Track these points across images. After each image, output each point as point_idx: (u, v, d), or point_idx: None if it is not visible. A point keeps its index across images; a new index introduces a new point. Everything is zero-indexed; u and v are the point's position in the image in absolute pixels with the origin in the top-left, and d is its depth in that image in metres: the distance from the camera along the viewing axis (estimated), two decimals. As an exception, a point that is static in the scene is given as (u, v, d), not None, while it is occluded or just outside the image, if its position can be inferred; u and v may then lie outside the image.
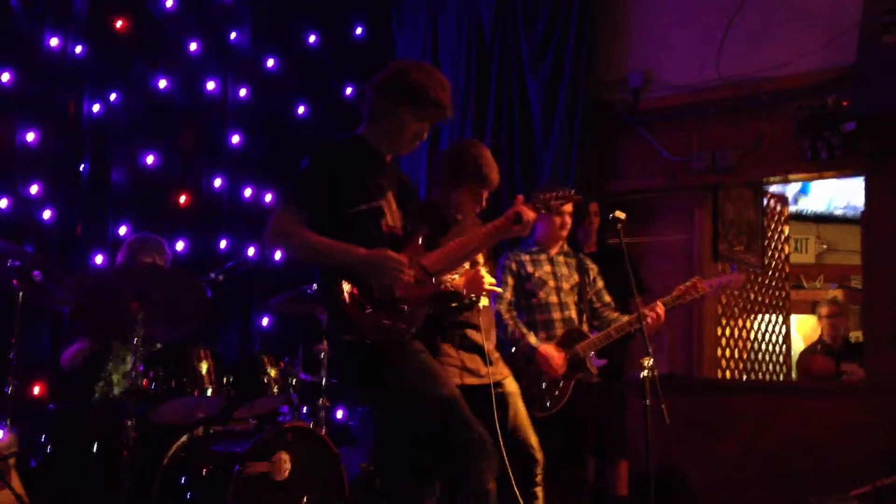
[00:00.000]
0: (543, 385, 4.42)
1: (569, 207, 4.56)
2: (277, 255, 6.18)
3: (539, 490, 4.02)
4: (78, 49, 5.55)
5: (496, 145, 6.06)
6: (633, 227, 5.53)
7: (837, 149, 5.45)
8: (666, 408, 3.92)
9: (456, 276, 3.70)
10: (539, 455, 3.98)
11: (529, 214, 3.38)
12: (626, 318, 4.52)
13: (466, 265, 3.73)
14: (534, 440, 3.99)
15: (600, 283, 4.71)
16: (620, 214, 4.25)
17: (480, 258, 3.84)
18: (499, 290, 3.98)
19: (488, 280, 3.72)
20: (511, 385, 3.99)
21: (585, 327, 4.58)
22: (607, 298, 4.69)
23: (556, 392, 4.43)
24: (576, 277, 4.63)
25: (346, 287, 3.06)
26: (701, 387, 5.94)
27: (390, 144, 3.30)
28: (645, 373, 4.02)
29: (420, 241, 3.30)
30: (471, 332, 3.89)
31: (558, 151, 6.04)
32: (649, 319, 4.40)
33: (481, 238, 3.37)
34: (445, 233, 3.71)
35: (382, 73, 3.32)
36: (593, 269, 4.72)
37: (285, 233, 3.13)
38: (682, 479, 5.57)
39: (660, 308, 4.40)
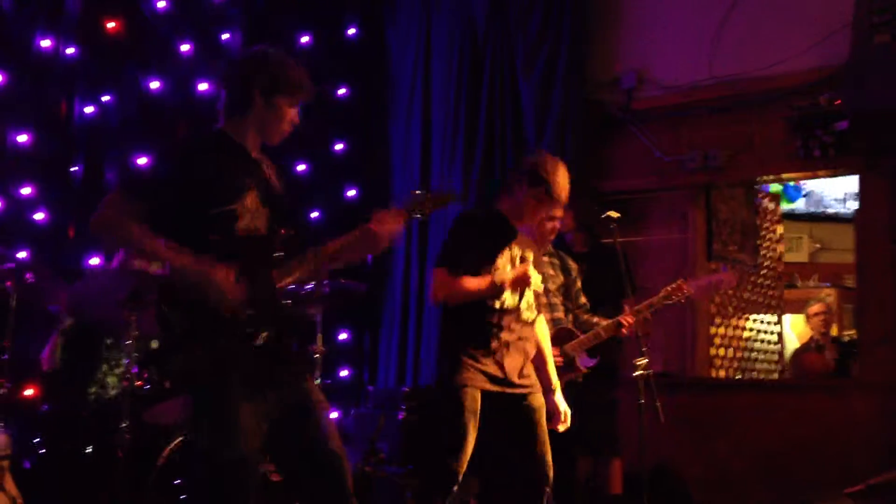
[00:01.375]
0: None
1: (559, 212, 4.55)
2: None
3: None
4: (70, 50, 5.55)
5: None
6: (627, 227, 5.53)
7: (830, 148, 5.46)
8: (660, 406, 3.93)
9: (508, 268, 3.70)
10: (551, 473, 3.91)
11: (386, 228, 3.16)
12: (607, 321, 4.51)
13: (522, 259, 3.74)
14: (549, 458, 3.90)
15: (578, 284, 4.71)
16: (614, 214, 4.25)
17: (530, 255, 3.79)
18: (540, 287, 3.92)
19: (535, 281, 3.70)
20: (538, 399, 3.90)
21: (572, 327, 4.58)
22: (583, 300, 4.69)
23: None
24: (561, 278, 4.64)
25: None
26: (695, 385, 5.94)
27: (261, 136, 3.06)
28: (639, 372, 4.03)
29: (278, 246, 3.05)
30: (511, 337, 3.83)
31: (551, 151, 6.02)
32: (623, 330, 4.42)
33: (329, 252, 3.08)
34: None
35: (241, 65, 3.11)
36: (574, 268, 4.72)
37: (112, 222, 2.83)
38: (676, 477, 5.57)
39: (630, 318, 4.39)
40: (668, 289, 4.53)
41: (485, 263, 3.68)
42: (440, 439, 3.71)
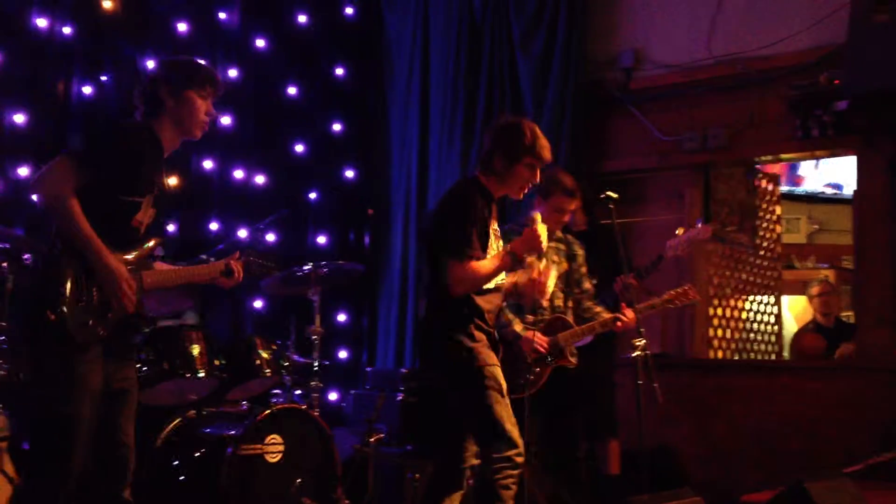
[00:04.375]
0: (520, 367, 4.39)
1: (571, 204, 4.53)
2: (271, 237, 6.16)
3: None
4: (66, 30, 5.51)
5: None
6: (625, 206, 5.52)
7: (829, 127, 5.45)
8: (658, 387, 3.93)
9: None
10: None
11: (239, 272, 3.49)
12: (607, 316, 4.49)
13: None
14: None
15: (584, 269, 4.69)
16: (612, 194, 4.24)
17: (502, 276, 3.73)
18: (553, 277, 3.88)
19: (545, 238, 3.66)
20: None
21: (571, 317, 4.57)
22: (587, 285, 4.68)
23: (531, 376, 4.42)
24: (565, 265, 4.62)
25: (71, 274, 3.05)
26: (693, 366, 5.95)
27: (182, 130, 3.33)
28: (637, 353, 4.03)
29: (151, 251, 3.33)
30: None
31: (549, 131, 5.96)
32: (619, 325, 4.41)
33: (189, 274, 3.45)
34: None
35: (159, 68, 3.43)
36: (580, 254, 4.71)
37: (59, 192, 3.02)
38: (674, 458, 5.59)
39: (630, 314, 4.38)
40: (673, 293, 4.53)
41: (485, 242, 3.65)
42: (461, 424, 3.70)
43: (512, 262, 3.64)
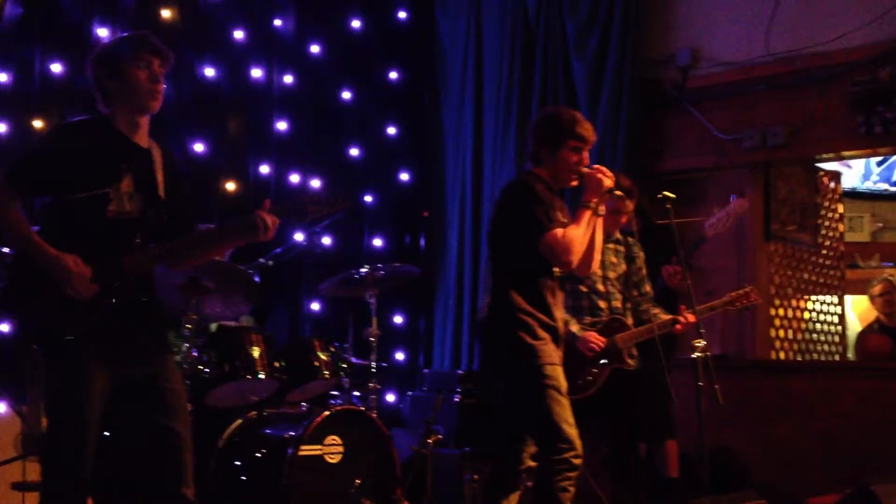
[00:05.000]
0: (578, 368, 4.37)
1: (629, 205, 4.50)
2: (327, 241, 6.22)
3: None
4: (126, 39, 5.61)
5: None
6: (684, 206, 5.46)
7: (892, 124, 5.33)
8: (719, 389, 3.88)
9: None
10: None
11: (269, 220, 3.16)
12: (665, 317, 4.46)
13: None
14: None
15: (644, 272, 4.66)
16: (669, 194, 4.19)
17: (598, 238, 3.76)
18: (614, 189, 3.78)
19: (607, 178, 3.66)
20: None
21: (629, 319, 4.53)
22: (647, 288, 4.64)
23: (590, 377, 4.39)
24: (623, 267, 4.59)
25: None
26: (755, 368, 5.86)
27: (132, 109, 3.16)
28: (697, 354, 3.98)
29: (144, 230, 3.16)
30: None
31: (605, 132, 5.97)
32: (678, 327, 4.36)
33: (209, 238, 3.29)
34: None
35: (92, 56, 3.25)
36: (640, 256, 4.67)
37: None
38: (735, 460, 5.51)
39: (689, 316, 4.34)
40: (734, 294, 4.48)
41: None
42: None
43: (590, 211, 3.64)
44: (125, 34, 3.28)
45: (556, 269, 3.71)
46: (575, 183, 3.78)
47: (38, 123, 5.26)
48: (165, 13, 5.78)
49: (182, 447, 3.10)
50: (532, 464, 3.71)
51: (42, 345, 3.08)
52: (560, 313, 3.74)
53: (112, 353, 3.05)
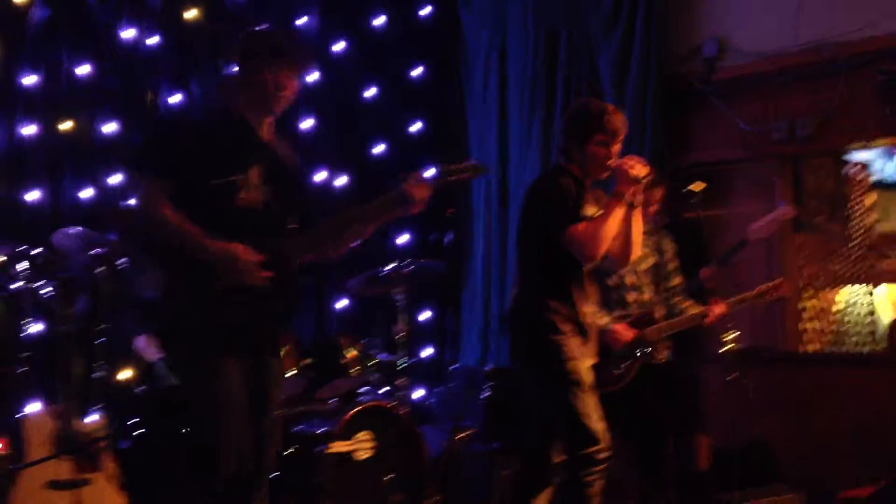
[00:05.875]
0: (608, 361, 4.35)
1: (656, 196, 4.46)
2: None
3: None
4: (152, 41, 5.66)
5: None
6: (712, 199, 5.41)
7: (921, 112, 5.27)
8: (749, 382, 3.86)
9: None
10: None
11: (418, 193, 3.08)
12: (696, 310, 4.43)
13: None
14: None
15: (673, 265, 4.63)
16: (697, 187, 4.17)
17: (637, 229, 3.71)
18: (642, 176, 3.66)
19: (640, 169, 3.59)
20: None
21: (660, 311, 4.51)
22: (675, 281, 4.62)
23: (620, 371, 4.38)
24: (653, 259, 4.57)
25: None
26: (785, 360, 5.81)
27: (261, 105, 3.12)
28: (727, 347, 3.96)
29: (286, 222, 3.16)
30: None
31: (631, 126, 5.87)
32: (708, 319, 4.33)
33: (356, 218, 3.17)
34: None
35: (238, 43, 3.21)
36: (670, 248, 4.65)
37: (148, 209, 2.98)
38: (767, 454, 5.47)
39: (721, 308, 4.30)
40: (765, 287, 4.45)
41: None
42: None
43: (621, 203, 3.58)
44: (266, 32, 3.22)
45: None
46: (602, 176, 3.76)
47: (66, 125, 5.30)
48: (189, 14, 5.81)
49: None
50: (561, 458, 3.70)
51: (194, 343, 2.98)
52: (588, 307, 3.72)
53: (251, 344, 3.02)
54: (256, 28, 3.27)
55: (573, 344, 3.59)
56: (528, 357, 3.65)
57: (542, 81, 6.46)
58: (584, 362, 3.60)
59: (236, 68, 3.15)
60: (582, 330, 3.65)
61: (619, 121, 3.72)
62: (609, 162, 3.68)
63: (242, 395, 2.98)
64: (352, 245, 3.26)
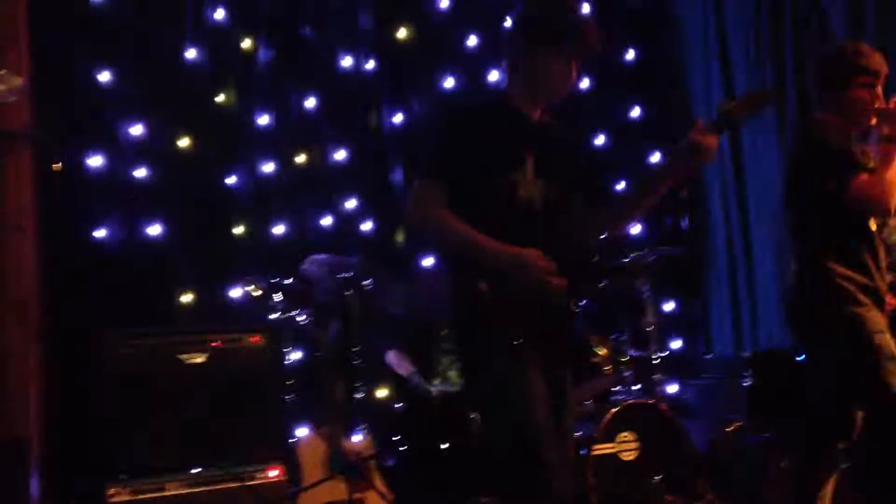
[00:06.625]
0: None
1: None
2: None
3: None
4: (369, 65, 5.80)
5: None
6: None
7: None
8: None
9: None
10: None
11: (706, 141, 2.65)
12: None
13: None
14: None
15: None
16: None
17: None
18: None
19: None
20: None
21: None
22: None
23: None
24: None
25: (483, 286, 2.62)
26: None
27: (536, 95, 2.80)
28: None
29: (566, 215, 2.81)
30: None
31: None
32: None
33: (649, 180, 2.81)
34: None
35: (515, 17, 2.88)
36: None
37: (423, 214, 2.70)
38: None
39: None
40: None
41: None
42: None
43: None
44: (560, 12, 2.77)
45: (872, 223, 3.37)
46: (873, 122, 3.42)
47: (300, 157, 5.53)
48: (401, 34, 5.91)
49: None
50: (848, 444, 3.40)
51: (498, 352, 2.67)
52: (882, 273, 3.38)
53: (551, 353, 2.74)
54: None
55: (875, 316, 3.26)
56: (822, 338, 3.35)
57: (767, 47, 6.05)
58: (889, 335, 3.27)
59: (513, 45, 2.81)
60: (880, 300, 3.32)
61: (879, 60, 3.41)
62: (876, 106, 3.35)
63: (545, 394, 2.68)
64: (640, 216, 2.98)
